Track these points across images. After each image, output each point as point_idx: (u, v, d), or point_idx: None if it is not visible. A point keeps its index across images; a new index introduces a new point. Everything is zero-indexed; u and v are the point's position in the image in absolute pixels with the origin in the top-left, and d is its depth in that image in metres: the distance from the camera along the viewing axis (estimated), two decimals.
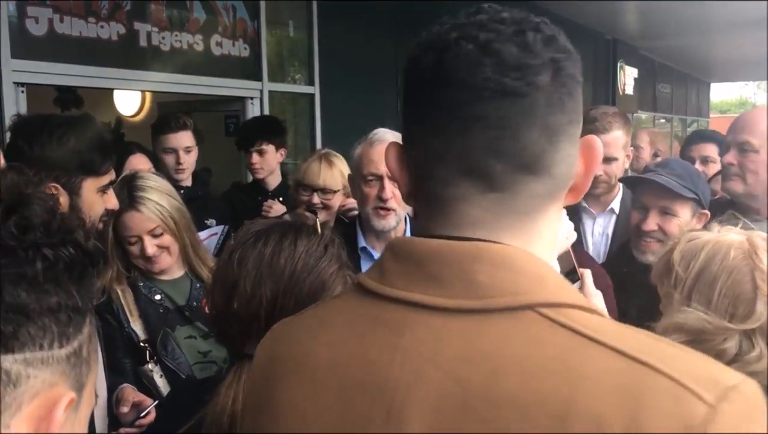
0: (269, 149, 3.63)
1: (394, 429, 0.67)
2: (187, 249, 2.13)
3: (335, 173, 2.79)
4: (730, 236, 1.26)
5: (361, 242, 2.17)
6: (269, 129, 3.76)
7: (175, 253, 2.12)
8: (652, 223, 2.09)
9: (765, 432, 0.61)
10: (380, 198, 2.09)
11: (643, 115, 13.40)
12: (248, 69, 5.06)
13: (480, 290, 0.68)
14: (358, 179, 2.16)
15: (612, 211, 2.62)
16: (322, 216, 2.68)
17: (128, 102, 6.82)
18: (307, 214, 1.48)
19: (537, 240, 0.74)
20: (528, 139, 0.70)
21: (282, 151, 3.72)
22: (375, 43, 6.11)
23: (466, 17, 0.73)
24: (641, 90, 12.72)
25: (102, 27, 3.96)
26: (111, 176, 1.95)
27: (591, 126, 2.48)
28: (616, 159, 2.52)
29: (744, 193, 2.17)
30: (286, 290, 1.19)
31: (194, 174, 3.54)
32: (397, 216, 2.13)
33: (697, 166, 3.62)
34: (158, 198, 2.09)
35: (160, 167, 3.44)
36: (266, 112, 5.11)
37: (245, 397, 0.83)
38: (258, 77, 5.10)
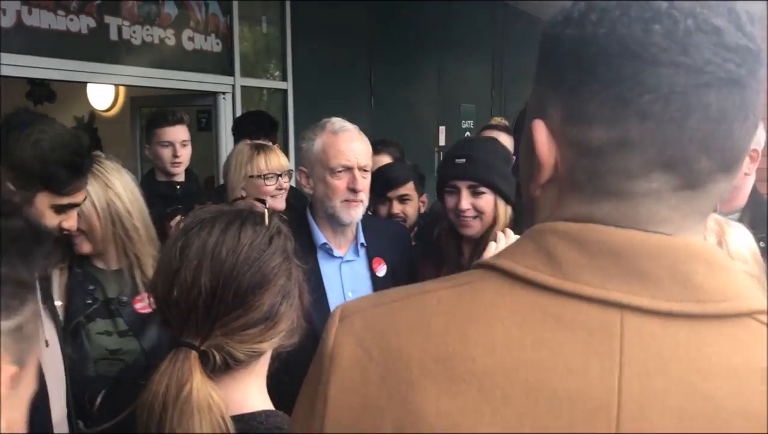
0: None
1: None
2: (125, 243, 2.05)
3: (282, 154, 2.85)
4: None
5: (321, 238, 2.10)
6: (267, 125, 3.75)
7: (96, 242, 2.04)
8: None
9: None
10: (352, 190, 2.04)
11: None
12: (220, 64, 5.06)
13: (699, 293, 0.60)
14: (322, 172, 2.06)
15: None
16: (281, 202, 2.71)
17: (101, 96, 6.78)
18: (257, 203, 1.47)
19: (701, 236, 0.67)
20: (739, 135, 0.62)
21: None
22: (349, 40, 6.13)
23: None
24: None
25: (72, 20, 3.95)
26: (75, 198, 1.86)
27: None
28: None
29: None
30: (226, 282, 1.18)
31: (186, 170, 3.52)
32: (363, 207, 2.10)
33: None
34: (95, 184, 2.01)
35: (155, 162, 3.45)
36: (238, 107, 5.11)
37: (332, 396, 0.68)
38: (230, 72, 5.11)
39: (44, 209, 1.80)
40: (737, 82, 0.60)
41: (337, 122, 2.15)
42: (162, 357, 1.17)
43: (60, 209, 1.83)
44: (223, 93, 5.09)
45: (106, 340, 2.00)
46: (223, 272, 1.22)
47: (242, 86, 5.20)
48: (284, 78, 5.64)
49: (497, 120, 3.87)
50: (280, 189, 2.81)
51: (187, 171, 3.58)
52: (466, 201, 2.06)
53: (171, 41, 4.62)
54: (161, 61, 4.58)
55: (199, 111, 5.19)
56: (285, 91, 5.65)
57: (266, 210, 1.38)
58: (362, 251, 2.18)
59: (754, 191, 2.26)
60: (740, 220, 1.97)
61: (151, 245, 2.12)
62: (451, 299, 0.67)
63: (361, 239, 2.18)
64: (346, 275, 2.10)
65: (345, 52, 6.08)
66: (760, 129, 2.17)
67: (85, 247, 2.05)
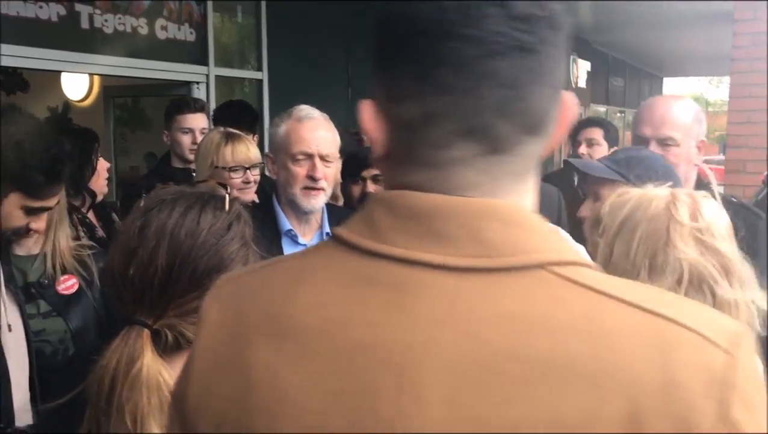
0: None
1: (410, 394, 0.62)
2: (48, 230, 2.03)
3: (253, 146, 2.77)
4: (657, 190, 1.30)
5: (286, 225, 2.10)
6: (248, 116, 3.73)
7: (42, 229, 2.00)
8: (584, 210, 2.04)
9: (760, 369, 0.64)
10: (311, 177, 2.04)
11: (602, 108, 13.62)
12: (194, 54, 5.03)
13: (491, 249, 0.64)
14: (284, 158, 2.07)
15: None
16: (250, 195, 2.66)
17: (76, 86, 6.72)
18: (219, 187, 1.48)
19: (527, 198, 0.71)
20: (535, 99, 0.65)
21: (254, 138, 3.66)
22: (326, 30, 6.12)
23: None
24: (594, 83, 12.92)
25: (41, 7, 3.92)
26: (47, 202, 1.85)
27: None
28: None
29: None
30: (182, 265, 1.20)
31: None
32: (325, 196, 2.10)
33: (583, 149, 3.86)
34: None
35: (173, 147, 3.46)
36: (212, 97, 5.10)
37: (197, 357, 0.74)
38: (204, 62, 5.09)
39: (13, 209, 1.79)
40: (528, 50, 0.63)
41: (304, 109, 2.15)
42: (90, 335, 1.18)
43: (30, 211, 1.83)
44: (197, 83, 5.07)
45: (30, 323, 1.97)
46: (180, 254, 1.23)
47: (216, 76, 5.19)
48: (259, 68, 5.63)
49: None
50: (248, 183, 2.70)
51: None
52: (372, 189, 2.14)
53: (144, 30, 4.59)
54: (134, 51, 4.55)
55: (172, 100, 5.14)
56: (260, 81, 5.63)
57: (227, 195, 1.39)
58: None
59: (699, 180, 2.31)
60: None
61: (68, 228, 2.10)
62: (294, 266, 0.73)
63: (327, 228, 2.18)
64: None
65: (322, 42, 6.07)
66: (702, 122, 2.23)
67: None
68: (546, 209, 2.65)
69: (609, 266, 1.25)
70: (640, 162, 1.91)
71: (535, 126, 0.66)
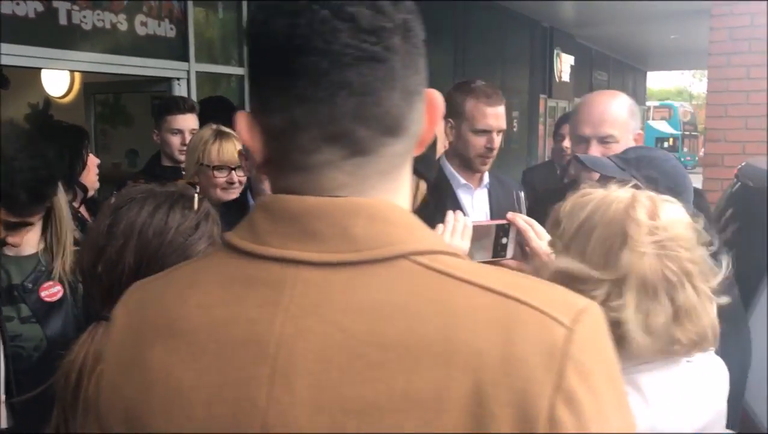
0: None
1: (281, 381, 0.67)
2: (48, 231, 2.03)
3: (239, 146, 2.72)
4: (619, 192, 1.25)
5: None
6: (228, 111, 3.71)
7: (19, 243, 2.00)
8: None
9: (609, 345, 0.69)
10: None
11: None
12: (175, 49, 5.02)
13: (357, 243, 0.69)
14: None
15: (486, 186, 2.68)
16: (233, 195, 2.65)
17: (56, 83, 6.67)
18: (189, 187, 1.49)
19: (399, 194, 0.76)
20: (390, 103, 0.71)
21: None
22: None
23: None
24: (577, 77, 12.98)
25: (18, 4, 3.89)
26: (28, 219, 1.86)
27: (484, 98, 2.54)
28: (501, 131, 2.60)
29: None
30: (150, 263, 1.21)
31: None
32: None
33: (566, 142, 3.87)
34: None
35: (163, 147, 3.45)
36: (193, 93, 5.08)
37: (107, 359, 0.79)
38: (185, 58, 5.07)
39: None
40: (378, 59, 0.69)
41: None
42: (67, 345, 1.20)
43: (9, 226, 1.83)
44: (178, 79, 5.05)
45: (7, 326, 1.94)
46: (147, 253, 1.25)
47: (197, 72, 5.17)
48: (241, 64, 5.62)
49: None
50: (232, 183, 2.66)
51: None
52: None
53: (123, 26, 4.57)
54: (114, 47, 4.53)
55: (153, 97, 5.14)
56: (242, 77, 5.62)
57: (196, 195, 1.40)
58: None
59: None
60: None
61: (70, 232, 2.08)
62: (189, 271, 0.79)
63: None
64: None
65: None
66: (636, 114, 2.28)
67: (20, 238, 2.01)
68: (503, 199, 2.65)
69: (557, 279, 1.21)
70: (650, 162, 1.89)
71: (393, 128, 0.72)
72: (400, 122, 0.72)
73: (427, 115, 0.78)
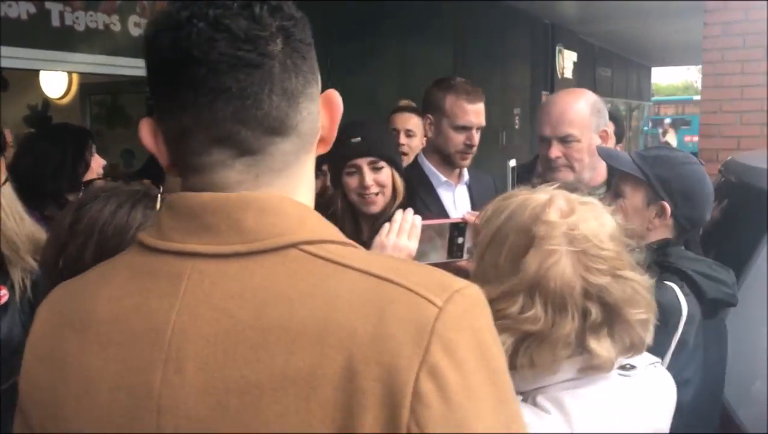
0: None
1: (173, 366, 0.72)
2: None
3: None
4: (539, 194, 1.16)
5: None
6: None
7: None
8: (604, 202, 1.99)
9: (483, 324, 0.73)
10: None
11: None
12: None
13: (249, 235, 0.75)
14: None
15: (466, 182, 2.68)
16: None
17: (55, 84, 6.70)
18: (153, 186, 1.50)
19: (297, 189, 0.81)
20: (269, 105, 0.76)
21: None
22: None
23: None
24: (580, 74, 12.94)
25: (10, 6, 3.91)
26: None
27: (464, 95, 2.53)
28: (481, 127, 2.60)
29: (574, 180, 2.24)
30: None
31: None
32: None
33: None
34: None
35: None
36: None
37: (27, 355, 0.84)
38: None
39: None
40: (253, 65, 0.74)
41: None
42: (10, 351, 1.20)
43: None
44: None
45: None
46: (107, 251, 1.26)
47: None
48: None
49: (405, 102, 3.71)
50: None
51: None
52: (369, 177, 2.11)
53: (117, 27, 4.58)
54: (108, 48, 4.54)
55: (147, 98, 5.15)
56: None
57: (159, 194, 1.41)
58: None
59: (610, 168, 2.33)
60: (606, 193, 2.05)
61: (23, 234, 2.04)
62: (105, 268, 0.85)
63: None
64: None
65: None
66: (601, 112, 2.27)
67: None
68: (483, 194, 2.65)
69: (478, 274, 1.15)
70: (666, 162, 1.86)
71: (277, 128, 0.77)
72: (283, 122, 0.77)
73: (327, 114, 0.85)
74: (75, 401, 0.76)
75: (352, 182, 2.15)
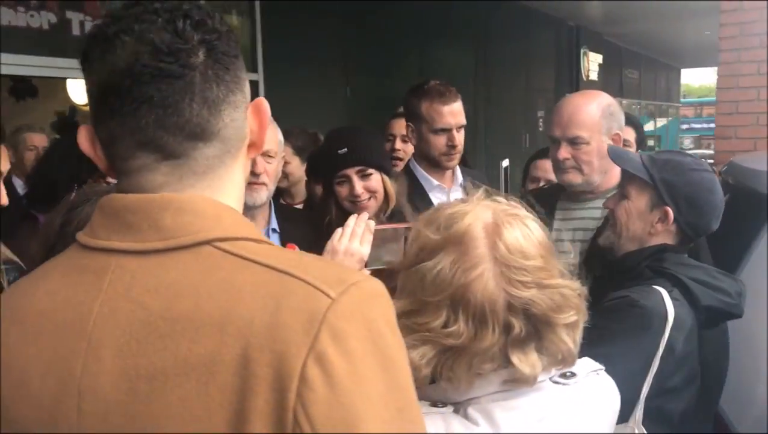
0: None
1: (93, 354, 0.79)
2: None
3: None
4: (468, 206, 1.12)
5: None
6: None
7: None
8: (610, 201, 1.97)
9: (378, 315, 0.77)
10: (252, 173, 2.09)
11: (623, 101, 13.52)
12: None
13: (167, 233, 0.80)
14: None
15: (460, 184, 2.68)
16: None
17: (81, 91, 6.85)
18: None
19: (221, 191, 0.87)
20: (190, 113, 0.81)
21: None
22: (322, 29, 6.18)
23: (125, 9, 0.83)
24: (606, 76, 12.85)
25: (32, 16, 4.03)
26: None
27: (437, 98, 2.56)
28: (462, 126, 2.62)
29: (582, 182, 2.24)
30: None
31: None
32: (268, 191, 2.16)
33: None
34: None
35: None
36: None
37: None
38: None
39: None
40: (174, 75, 0.80)
41: None
42: None
43: None
44: None
45: None
46: None
47: None
48: (255, 69, 5.71)
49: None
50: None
51: None
52: (358, 186, 2.16)
53: None
54: None
55: None
56: (256, 82, 5.71)
57: None
58: (275, 237, 2.24)
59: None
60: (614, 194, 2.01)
61: None
62: (49, 265, 0.90)
63: (273, 224, 2.25)
64: None
65: (318, 40, 6.13)
66: (615, 115, 2.23)
67: None
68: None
69: (405, 284, 1.12)
70: (675, 167, 1.82)
71: (198, 134, 0.83)
72: (204, 128, 0.83)
73: (256, 120, 0.90)
74: (14, 388, 0.82)
75: (342, 190, 2.21)
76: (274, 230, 2.25)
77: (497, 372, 1.06)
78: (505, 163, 2.14)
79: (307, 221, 2.39)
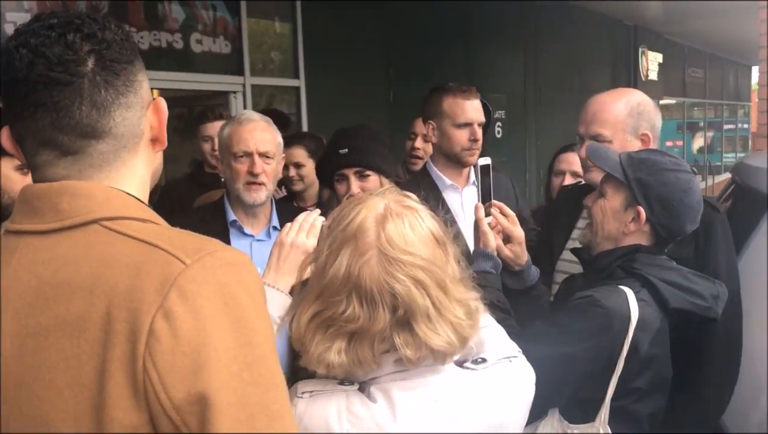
0: None
1: (2, 318, 0.93)
2: None
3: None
4: (372, 199, 1.19)
5: (231, 216, 2.30)
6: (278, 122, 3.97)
7: None
8: (590, 198, 1.97)
9: (232, 281, 0.89)
10: (252, 173, 2.24)
11: (671, 100, 13.17)
12: (230, 64, 5.30)
13: (63, 214, 0.95)
14: (228, 157, 2.27)
15: (473, 183, 2.68)
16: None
17: None
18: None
19: (121, 181, 1.01)
20: (80, 114, 0.95)
21: None
22: (363, 34, 6.26)
23: (27, 25, 0.98)
24: (666, 75, 12.54)
25: None
26: None
27: (459, 93, 2.61)
28: (482, 124, 2.64)
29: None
30: None
31: None
32: (267, 191, 2.28)
33: None
34: None
35: (200, 154, 3.83)
36: (249, 106, 5.35)
37: None
38: (240, 72, 5.35)
39: (9, 172, 2.19)
40: (63, 83, 0.94)
41: (246, 113, 2.40)
42: None
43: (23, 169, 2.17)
44: (234, 92, 5.33)
45: None
46: None
47: (252, 85, 5.44)
48: (296, 76, 5.84)
49: None
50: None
51: None
52: (355, 186, 2.28)
53: (179, 45, 4.89)
54: (170, 64, 4.86)
55: (197, 113, 5.43)
56: (297, 88, 5.85)
57: None
58: (275, 234, 2.29)
59: None
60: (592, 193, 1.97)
61: None
62: None
63: (275, 222, 2.35)
64: (257, 253, 2.26)
65: (361, 46, 6.22)
66: (643, 114, 2.18)
67: None
68: (503, 196, 2.66)
69: (315, 274, 1.19)
70: (651, 167, 1.81)
71: (90, 133, 0.97)
72: (95, 127, 0.97)
73: (155, 117, 1.05)
74: None
75: (341, 188, 2.35)
76: (275, 228, 2.35)
77: (391, 353, 1.13)
78: (483, 161, 2.11)
79: None
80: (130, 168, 1.02)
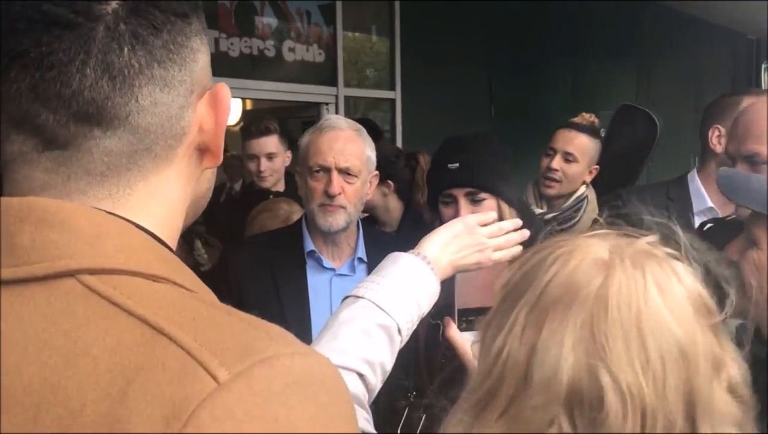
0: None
1: None
2: None
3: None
4: (590, 249, 0.75)
5: (309, 246, 1.89)
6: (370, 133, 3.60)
7: None
8: (732, 250, 1.45)
9: (297, 416, 0.50)
10: (327, 193, 1.82)
11: None
12: (323, 74, 5.04)
13: (21, 256, 0.56)
14: (305, 172, 1.88)
15: None
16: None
17: (232, 111, 7.03)
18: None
19: (137, 207, 0.62)
20: (81, 81, 0.57)
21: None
22: (463, 44, 5.90)
23: None
24: None
25: None
26: None
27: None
28: None
29: None
30: None
31: (289, 176, 3.31)
32: (347, 215, 1.85)
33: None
34: None
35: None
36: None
37: None
38: (333, 83, 5.07)
39: None
40: (61, 24, 0.56)
41: (333, 119, 1.97)
42: None
43: None
44: (327, 104, 5.07)
45: None
46: None
47: (346, 96, 5.16)
48: (392, 87, 5.53)
49: (584, 117, 2.86)
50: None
51: (289, 178, 3.35)
52: (465, 211, 1.70)
53: (270, 52, 4.66)
54: (263, 73, 4.63)
55: (303, 122, 5.21)
56: (393, 100, 5.54)
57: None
58: (362, 268, 1.93)
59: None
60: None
61: None
62: None
63: (361, 254, 1.94)
64: (337, 290, 1.84)
65: (461, 57, 5.85)
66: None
67: None
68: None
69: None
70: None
71: (94, 115, 0.58)
72: (103, 107, 0.58)
73: (211, 114, 0.65)
74: None
75: (447, 212, 1.76)
76: (360, 259, 1.94)
77: None
78: None
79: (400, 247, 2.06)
80: (154, 185, 0.63)
